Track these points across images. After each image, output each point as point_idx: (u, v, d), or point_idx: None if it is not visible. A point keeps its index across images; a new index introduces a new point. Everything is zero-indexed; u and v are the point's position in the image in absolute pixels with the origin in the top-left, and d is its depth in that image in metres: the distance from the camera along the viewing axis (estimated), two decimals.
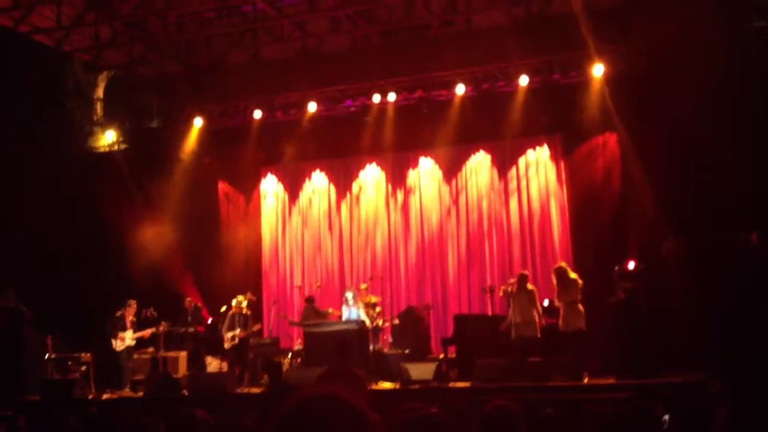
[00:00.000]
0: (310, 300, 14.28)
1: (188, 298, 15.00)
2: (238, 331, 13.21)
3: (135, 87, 16.70)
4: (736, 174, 12.40)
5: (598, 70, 13.87)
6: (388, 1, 13.81)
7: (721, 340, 11.12)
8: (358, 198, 16.41)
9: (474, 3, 14.05)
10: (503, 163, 15.52)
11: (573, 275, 11.92)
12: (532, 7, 14.04)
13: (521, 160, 15.35)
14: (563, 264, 12.43)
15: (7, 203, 14.09)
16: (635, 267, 12.98)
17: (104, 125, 16.93)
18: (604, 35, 13.67)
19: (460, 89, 14.67)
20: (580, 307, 11.70)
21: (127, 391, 13.04)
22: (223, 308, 13.77)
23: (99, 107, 16.96)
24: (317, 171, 16.76)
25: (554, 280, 12.05)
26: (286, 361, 13.28)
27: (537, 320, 12.02)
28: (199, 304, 15.27)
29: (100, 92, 16.99)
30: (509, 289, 12.40)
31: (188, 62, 16.21)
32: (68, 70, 16.30)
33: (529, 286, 12.31)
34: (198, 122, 16.08)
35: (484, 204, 15.48)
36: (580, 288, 11.74)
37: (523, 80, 14.35)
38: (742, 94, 12.45)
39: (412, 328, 13.94)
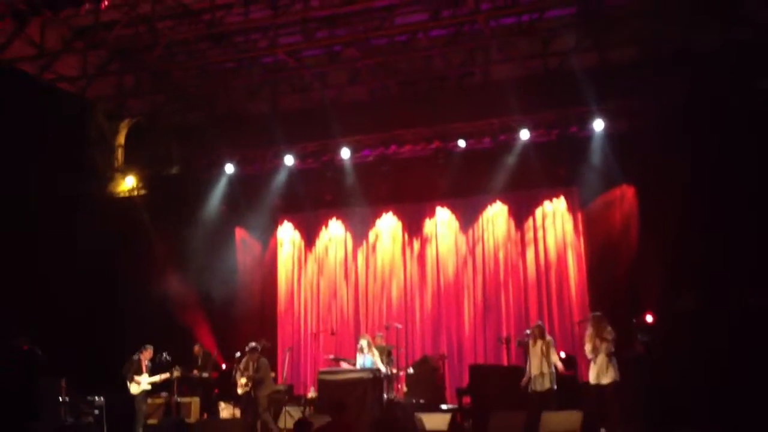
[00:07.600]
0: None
1: (197, 345, 15.00)
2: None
3: (156, 134, 16.95)
4: (754, 231, 12.38)
5: (613, 124, 13.99)
6: (407, 53, 14.05)
7: (736, 397, 11.00)
8: (374, 247, 16.44)
9: (491, 56, 14.30)
10: (520, 213, 15.53)
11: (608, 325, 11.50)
12: (549, 61, 14.25)
13: (538, 211, 15.36)
14: (600, 313, 11.81)
15: (24, 247, 14.19)
16: (653, 320, 12.86)
17: (125, 171, 17.13)
18: (620, 89, 13.82)
19: (477, 140, 14.86)
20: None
21: None
22: (238, 354, 13.72)
23: (120, 153, 17.18)
24: (334, 219, 16.85)
25: (591, 330, 11.47)
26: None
27: (554, 372, 11.81)
28: (210, 350, 15.26)
29: (121, 139, 17.22)
30: (526, 341, 12.23)
31: (209, 111, 16.51)
32: (90, 117, 16.53)
33: (547, 337, 12.12)
34: (217, 170, 16.31)
35: (501, 254, 15.46)
36: (614, 338, 11.36)
37: (540, 132, 14.48)
38: (758, 150, 12.50)
39: (426, 377, 13.85)
